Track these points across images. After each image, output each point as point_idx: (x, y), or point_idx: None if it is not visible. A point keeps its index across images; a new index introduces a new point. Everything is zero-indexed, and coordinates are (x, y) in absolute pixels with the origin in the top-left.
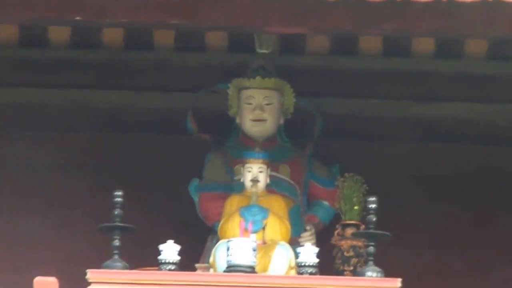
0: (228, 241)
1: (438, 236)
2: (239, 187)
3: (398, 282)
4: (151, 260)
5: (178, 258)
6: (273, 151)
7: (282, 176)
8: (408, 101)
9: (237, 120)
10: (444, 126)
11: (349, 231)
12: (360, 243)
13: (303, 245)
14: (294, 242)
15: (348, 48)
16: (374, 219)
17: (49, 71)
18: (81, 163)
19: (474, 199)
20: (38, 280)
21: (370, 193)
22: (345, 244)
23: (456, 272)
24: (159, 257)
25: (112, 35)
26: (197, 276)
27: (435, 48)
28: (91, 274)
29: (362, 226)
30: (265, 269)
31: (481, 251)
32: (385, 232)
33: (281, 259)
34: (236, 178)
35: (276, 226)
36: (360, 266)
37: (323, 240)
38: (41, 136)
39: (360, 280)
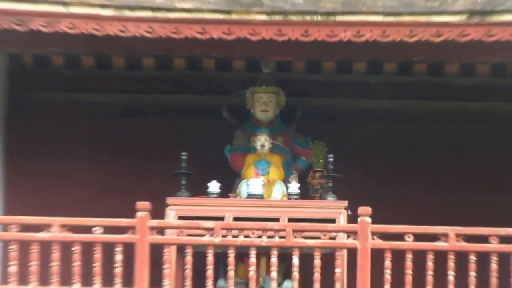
0: (247, 181)
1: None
2: (254, 150)
3: (345, 203)
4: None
5: (219, 190)
6: (273, 129)
7: (278, 143)
8: (362, 99)
9: (252, 111)
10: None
11: (317, 174)
12: (323, 181)
13: (291, 183)
14: (286, 181)
15: (317, 68)
16: (332, 167)
17: (141, 83)
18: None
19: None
20: (139, 203)
21: (329, 152)
22: (315, 181)
23: (386, 195)
24: (208, 190)
25: (178, 61)
26: (230, 200)
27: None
28: (170, 200)
29: (325, 171)
30: (269, 196)
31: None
32: (338, 174)
33: (278, 190)
34: (251, 144)
35: (275, 172)
36: (324, 194)
37: (302, 180)
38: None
39: (322, 201)
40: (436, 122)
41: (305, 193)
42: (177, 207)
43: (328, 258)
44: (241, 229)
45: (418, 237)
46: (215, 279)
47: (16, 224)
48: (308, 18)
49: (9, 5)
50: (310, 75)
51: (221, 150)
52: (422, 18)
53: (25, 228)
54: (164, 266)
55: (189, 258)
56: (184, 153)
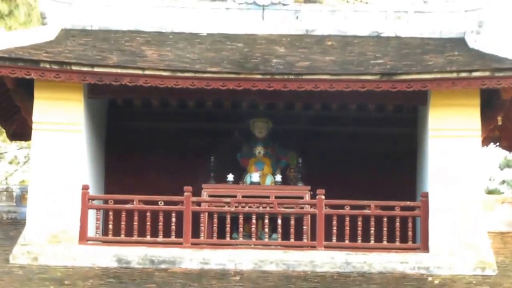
0: (250, 174)
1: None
2: (254, 155)
3: (309, 187)
4: (225, 181)
5: (233, 179)
6: (265, 143)
7: (269, 151)
8: (319, 125)
9: (253, 132)
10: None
11: (292, 170)
12: (296, 174)
13: (276, 175)
14: (273, 174)
15: (291, 106)
16: (301, 165)
17: (186, 116)
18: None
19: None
20: (185, 187)
21: (299, 157)
22: (291, 175)
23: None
24: (227, 179)
25: (209, 102)
26: (240, 186)
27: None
28: (204, 185)
29: (296, 168)
30: (263, 183)
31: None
32: (304, 170)
33: (269, 180)
34: (253, 152)
35: (267, 169)
36: (296, 182)
37: (283, 173)
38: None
39: (295, 186)
40: (363, 138)
41: (285, 181)
42: (208, 190)
43: (299, 220)
44: (246, 203)
45: (353, 207)
46: (231, 233)
47: (111, 199)
48: (286, 77)
49: (109, 70)
50: (287, 111)
51: (234, 156)
52: (354, 77)
53: (117, 201)
54: (201, 225)
55: (215, 220)
56: (212, 158)
